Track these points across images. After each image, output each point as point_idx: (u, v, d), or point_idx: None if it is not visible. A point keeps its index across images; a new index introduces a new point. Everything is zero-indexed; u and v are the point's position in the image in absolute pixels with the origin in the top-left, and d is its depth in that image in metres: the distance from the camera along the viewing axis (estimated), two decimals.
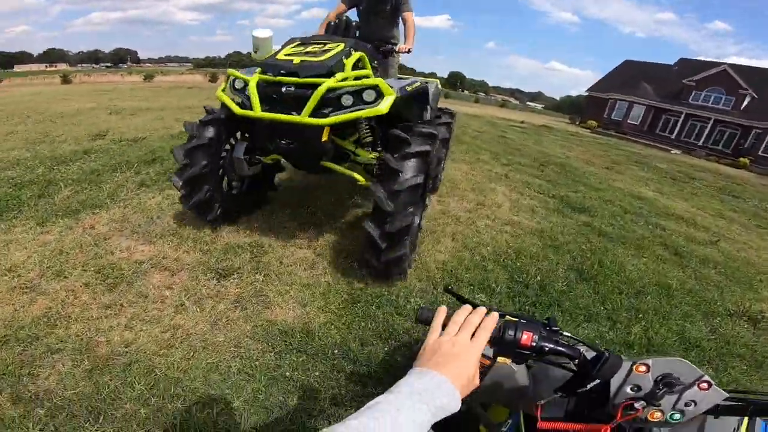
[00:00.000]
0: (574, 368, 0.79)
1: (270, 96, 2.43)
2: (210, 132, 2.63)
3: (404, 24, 3.52)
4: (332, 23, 3.41)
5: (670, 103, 26.32)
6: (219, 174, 2.80)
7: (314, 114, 2.32)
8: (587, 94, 33.33)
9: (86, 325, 1.94)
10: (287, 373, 1.78)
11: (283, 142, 2.51)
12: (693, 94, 25.72)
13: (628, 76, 29.72)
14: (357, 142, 2.88)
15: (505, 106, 47.58)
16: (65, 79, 24.10)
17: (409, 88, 2.67)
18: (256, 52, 3.01)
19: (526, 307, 2.54)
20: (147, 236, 2.79)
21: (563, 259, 3.26)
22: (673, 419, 0.76)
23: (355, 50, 2.65)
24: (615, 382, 0.79)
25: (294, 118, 2.31)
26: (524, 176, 6.05)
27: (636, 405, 0.75)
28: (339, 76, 2.37)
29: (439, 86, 3.97)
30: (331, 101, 2.35)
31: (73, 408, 1.52)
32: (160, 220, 3.01)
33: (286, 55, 2.57)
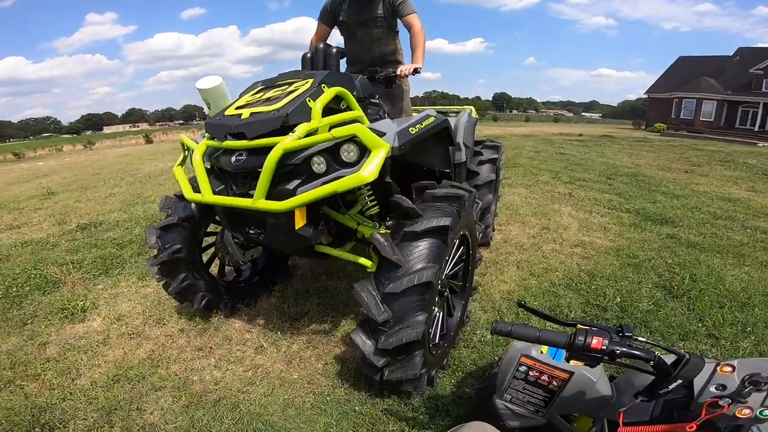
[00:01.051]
0: (654, 371, 0.81)
1: (223, 170, 1.84)
2: (185, 210, 2.22)
3: (409, 31, 2.57)
4: (308, 55, 2.35)
5: (742, 94, 24.09)
6: (199, 258, 2.39)
7: (276, 192, 1.66)
8: (647, 96, 31.36)
9: (183, 365, 2.16)
10: (357, 408, 1.82)
11: (250, 231, 1.92)
12: (765, 82, 23.30)
13: (687, 72, 27.79)
14: (362, 213, 2.14)
15: (559, 120, 45.91)
16: (148, 139, 26.46)
17: (414, 130, 1.82)
18: (209, 109, 2.33)
19: None
20: None
21: (646, 278, 2.99)
22: (763, 415, 0.73)
23: (330, 85, 1.88)
24: (698, 382, 0.80)
25: (245, 202, 1.69)
26: (591, 193, 5.71)
27: (721, 402, 0.75)
28: (302, 129, 1.64)
29: (473, 114, 3.27)
30: (298, 169, 1.66)
31: None
32: (243, 270, 3.21)
33: (237, 107, 1.89)
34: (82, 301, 2.82)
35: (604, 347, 0.79)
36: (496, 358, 2.04)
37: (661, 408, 0.88)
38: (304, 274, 3.14)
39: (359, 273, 2.90)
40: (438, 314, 1.98)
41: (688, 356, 0.78)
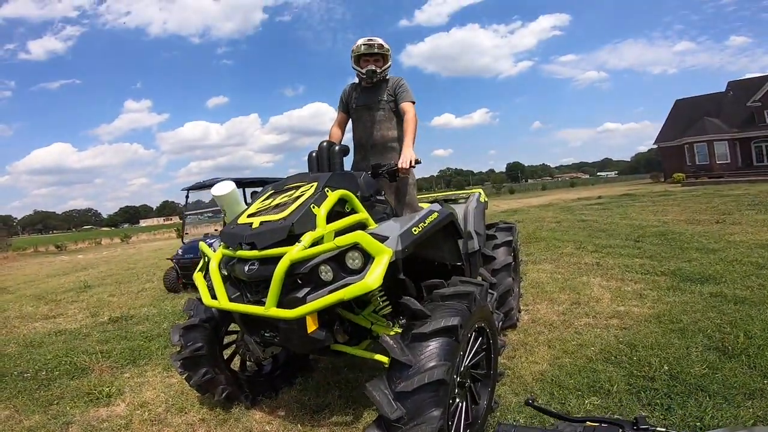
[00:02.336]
0: None
1: (239, 277, 1.91)
2: (206, 312, 2.36)
3: (402, 117, 2.64)
4: (314, 154, 2.43)
5: (749, 129, 24.03)
6: (219, 354, 2.48)
7: (287, 300, 1.73)
8: (657, 146, 31.50)
9: None
10: None
11: (266, 334, 1.95)
12: (766, 114, 23.36)
13: (688, 115, 28.23)
14: (376, 312, 2.17)
15: (576, 184, 46.05)
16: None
17: (417, 230, 1.85)
18: (225, 214, 2.40)
19: (657, 401, 2.15)
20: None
21: (695, 341, 2.77)
22: None
23: (334, 188, 1.94)
24: None
25: (258, 310, 1.76)
26: (620, 259, 5.51)
27: None
28: (308, 238, 1.71)
29: (483, 198, 3.26)
30: (306, 277, 1.73)
31: None
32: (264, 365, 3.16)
33: (249, 215, 1.99)
34: (108, 387, 2.93)
35: None
36: None
37: None
38: (326, 367, 3.09)
39: (381, 365, 2.81)
40: (460, 405, 1.89)
41: None
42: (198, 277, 2.16)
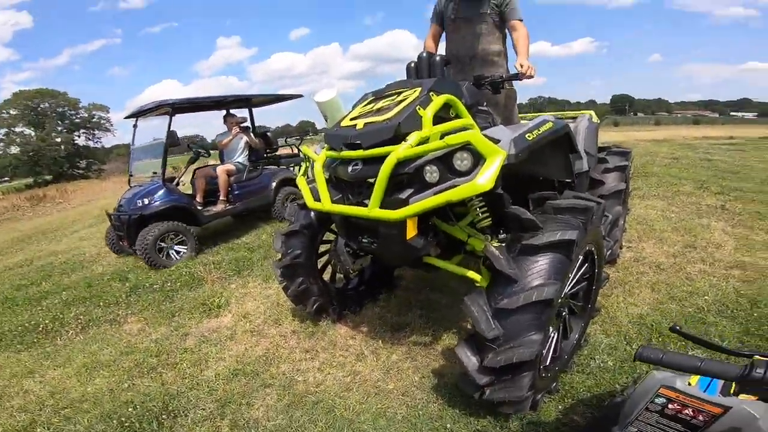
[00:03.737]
0: None
1: (341, 179, 1.89)
2: (305, 218, 2.36)
3: (512, 35, 2.50)
4: (413, 64, 2.34)
5: None
6: (315, 264, 2.52)
7: (390, 201, 1.66)
8: None
9: (291, 365, 2.32)
10: (449, 425, 1.76)
11: (363, 240, 1.94)
12: None
13: None
14: (473, 225, 2.05)
15: (700, 122, 38.91)
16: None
17: (531, 136, 1.71)
18: (326, 120, 2.41)
19: None
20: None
21: None
22: None
23: (438, 92, 1.83)
24: None
25: (361, 211, 1.72)
26: (751, 205, 4.70)
27: None
28: (414, 137, 1.62)
29: (595, 119, 3.03)
30: (411, 178, 1.66)
31: None
32: (351, 278, 3.30)
33: (352, 118, 1.94)
34: (218, 298, 3.30)
35: None
36: (617, 387, 1.83)
37: None
38: (408, 285, 3.18)
39: (463, 288, 2.79)
40: (553, 335, 1.83)
41: None
42: (301, 181, 2.18)
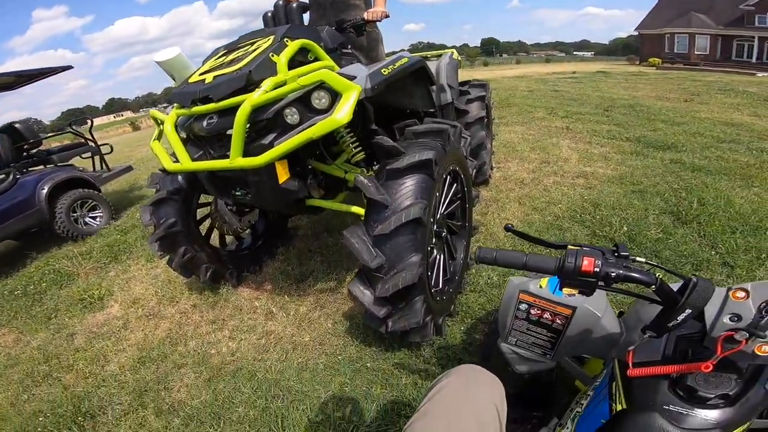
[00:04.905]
0: (659, 300, 0.69)
1: (198, 135, 1.80)
2: (172, 183, 2.19)
3: None
4: (269, 13, 2.29)
5: (735, 29, 23.38)
6: (195, 230, 2.36)
7: (253, 148, 1.62)
8: (638, 33, 30.27)
9: (200, 340, 2.17)
10: (369, 364, 1.80)
11: (236, 193, 1.88)
12: (757, 18, 22.59)
13: (676, 8, 26.89)
14: (349, 162, 2.11)
15: (551, 61, 44.28)
16: (134, 126, 26.24)
17: (386, 71, 1.74)
18: (174, 81, 2.24)
19: None
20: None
21: (652, 204, 2.86)
22: None
23: (293, 38, 1.79)
24: (710, 312, 0.68)
25: (222, 164, 1.65)
26: (588, 125, 5.49)
27: (737, 337, 0.63)
28: (268, 83, 1.58)
29: (456, 56, 3.16)
30: (272, 123, 1.64)
31: (200, 416, 1.68)
32: (243, 238, 3.04)
33: (201, 73, 1.84)
34: (98, 289, 2.85)
35: (597, 269, 0.67)
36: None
37: (674, 345, 0.77)
38: (305, 234, 3.05)
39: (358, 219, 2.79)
40: (438, 257, 1.88)
41: (694, 279, 0.65)
42: (156, 145, 1.99)
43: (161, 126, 1.99)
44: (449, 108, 2.75)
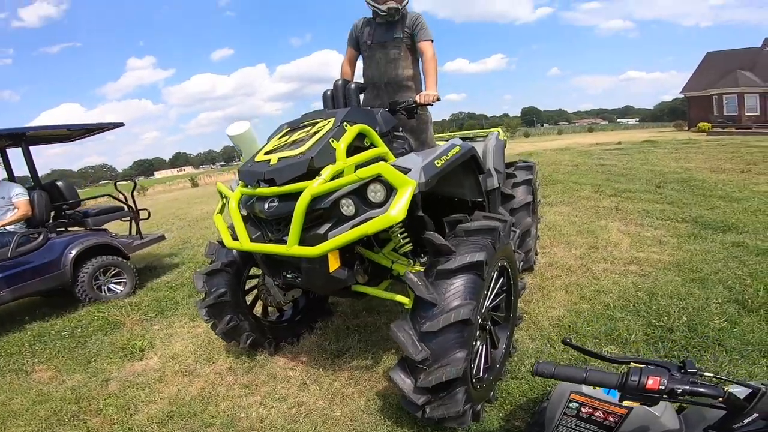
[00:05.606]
0: (723, 407, 0.73)
1: (258, 216, 1.86)
2: (227, 256, 2.33)
3: (421, 58, 2.52)
4: (329, 92, 2.36)
5: None
6: (242, 300, 2.48)
7: (309, 237, 1.67)
8: (684, 95, 29.77)
9: (231, 402, 2.21)
10: None
11: (287, 275, 1.95)
12: None
13: (720, 68, 26.37)
14: (396, 250, 2.14)
15: (594, 129, 44.24)
16: (193, 183, 27.72)
17: (440, 162, 1.79)
18: (241, 154, 2.33)
19: (674, 353, 2.15)
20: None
21: (714, 292, 2.72)
22: None
23: (352, 122, 1.86)
24: None
25: (280, 249, 1.71)
26: (639, 204, 5.37)
27: None
28: (328, 171, 1.63)
29: (502, 136, 3.19)
30: (328, 212, 1.68)
31: None
32: (285, 310, 3.19)
33: (266, 152, 1.90)
34: (140, 340, 3.02)
35: (663, 387, 0.72)
36: (548, 389, 1.93)
37: None
38: (344, 311, 3.13)
39: (399, 307, 2.82)
40: (480, 347, 1.90)
41: (764, 389, 0.69)
42: (218, 219, 2.10)
43: (224, 200, 2.12)
44: (495, 194, 2.73)
